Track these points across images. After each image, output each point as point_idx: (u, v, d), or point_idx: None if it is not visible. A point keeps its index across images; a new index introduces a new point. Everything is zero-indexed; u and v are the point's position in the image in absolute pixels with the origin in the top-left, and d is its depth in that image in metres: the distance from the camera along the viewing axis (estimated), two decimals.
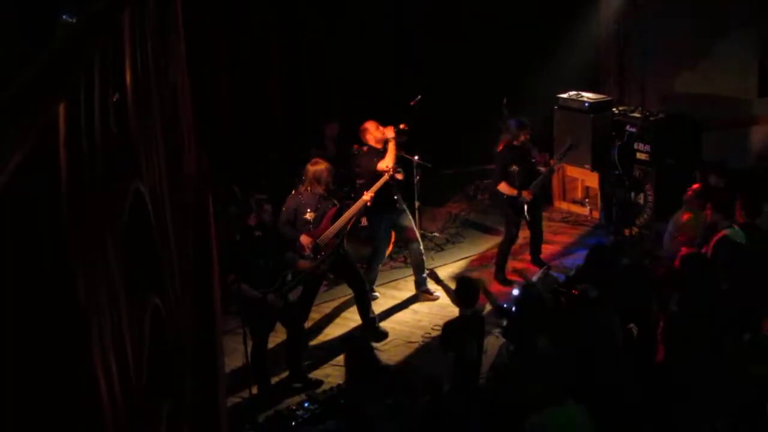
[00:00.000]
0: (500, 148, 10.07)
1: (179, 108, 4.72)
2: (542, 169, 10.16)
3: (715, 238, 7.74)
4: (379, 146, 9.29)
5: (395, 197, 9.43)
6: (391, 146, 9.19)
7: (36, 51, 1.69)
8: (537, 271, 9.25)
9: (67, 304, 1.57)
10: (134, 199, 2.37)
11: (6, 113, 1.35)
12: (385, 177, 9.10)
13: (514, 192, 9.78)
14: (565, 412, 5.77)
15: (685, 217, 8.72)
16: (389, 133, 9.22)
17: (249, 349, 7.66)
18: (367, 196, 9.01)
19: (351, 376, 6.82)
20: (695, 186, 8.90)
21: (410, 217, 9.75)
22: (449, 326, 7.22)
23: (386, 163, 9.14)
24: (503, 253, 10.20)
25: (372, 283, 9.61)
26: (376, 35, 12.25)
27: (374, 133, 9.30)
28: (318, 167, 8.71)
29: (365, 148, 9.49)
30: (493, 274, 10.18)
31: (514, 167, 9.83)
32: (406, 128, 9.40)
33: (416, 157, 10.29)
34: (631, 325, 7.41)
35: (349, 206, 9.14)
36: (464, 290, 7.33)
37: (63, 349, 1.55)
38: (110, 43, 2.24)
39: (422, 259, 9.76)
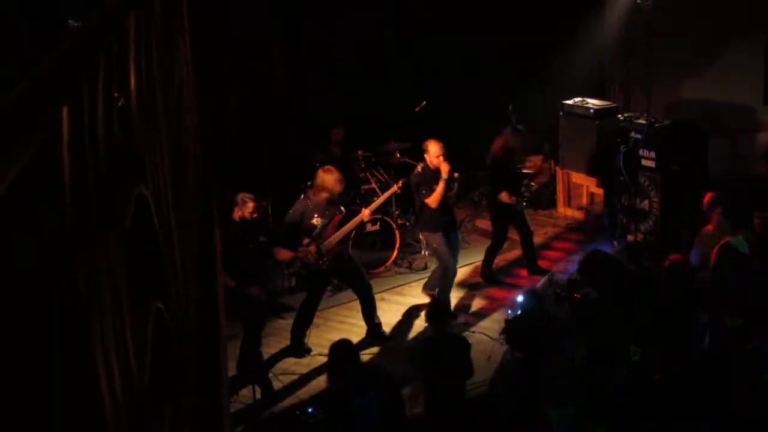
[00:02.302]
0: (499, 155, 10.10)
1: (185, 112, 4.73)
2: (527, 170, 10.41)
3: (718, 246, 7.66)
4: (433, 168, 9.22)
5: (450, 216, 9.48)
6: (441, 185, 9.10)
7: (42, 55, 1.69)
8: (538, 279, 9.27)
9: (70, 308, 1.57)
10: (138, 203, 2.38)
11: (9, 116, 1.36)
12: (385, 196, 9.36)
13: (515, 200, 9.90)
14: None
15: (706, 229, 8.52)
16: (444, 172, 9.09)
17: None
18: (366, 211, 9.01)
19: (335, 378, 6.93)
20: (708, 196, 8.67)
21: (459, 238, 9.89)
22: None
23: (433, 201, 9.14)
24: (493, 253, 10.39)
25: (449, 291, 9.66)
26: (380, 40, 12.27)
27: (432, 158, 9.22)
28: (328, 176, 8.66)
29: (420, 166, 9.39)
30: (480, 272, 10.32)
31: (509, 174, 10.02)
32: (458, 177, 9.36)
33: (421, 164, 10.29)
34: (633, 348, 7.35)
35: (354, 212, 9.15)
36: (435, 310, 7.45)
37: (65, 353, 1.55)
38: (115, 47, 2.24)
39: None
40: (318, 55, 12.27)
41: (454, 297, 10.02)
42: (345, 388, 6.69)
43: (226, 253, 7.83)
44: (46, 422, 1.46)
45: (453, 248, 9.57)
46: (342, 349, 6.96)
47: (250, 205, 7.95)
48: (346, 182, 10.34)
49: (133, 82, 2.56)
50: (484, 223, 12.12)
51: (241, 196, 8.01)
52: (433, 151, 9.19)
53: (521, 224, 10.29)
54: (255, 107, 12.03)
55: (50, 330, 1.49)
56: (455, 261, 9.64)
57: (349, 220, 8.93)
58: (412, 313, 9.70)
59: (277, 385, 8.21)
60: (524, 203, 10.15)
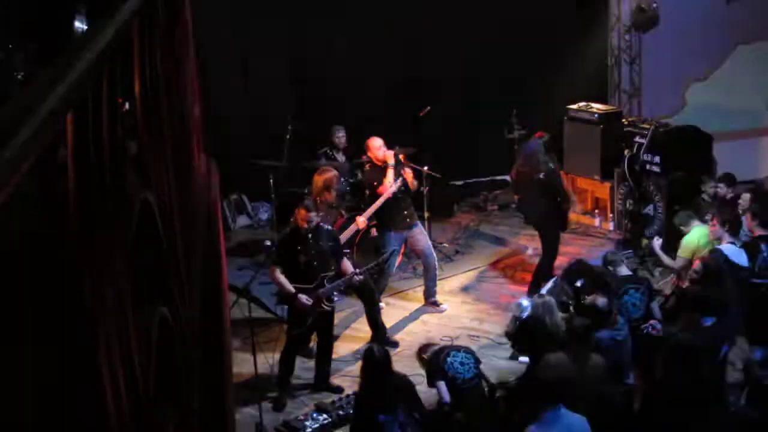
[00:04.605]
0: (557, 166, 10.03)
1: (188, 117, 4.73)
2: None
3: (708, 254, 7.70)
4: (379, 164, 9.30)
5: (404, 212, 9.40)
6: (389, 173, 9.17)
7: (47, 60, 1.70)
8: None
9: (75, 314, 1.57)
10: (142, 208, 2.38)
11: (15, 122, 1.36)
12: (381, 200, 9.13)
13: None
14: (567, 421, 5.76)
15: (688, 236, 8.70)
16: (389, 159, 9.19)
17: (258, 359, 7.67)
18: (361, 219, 9.02)
19: (367, 386, 6.81)
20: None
21: (425, 233, 9.75)
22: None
23: (384, 188, 9.17)
24: (546, 271, 9.72)
25: (379, 294, 9.61)
26: (384, 43, 12.27)
27: (375, 152, 9.32)
28: (326, 175, 8.80)
29: (368, 165, 9.49)
30: (528, 291, 10.07)
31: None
32: (405, 158, 9.44)
33: (425, 168, 10.29)
34: (652, 322, 7.42)
35: (357, 216, 9.19)
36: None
37: (70, 358, 1.55)
38: (119, 53, 2.24)
39: (436, 275, 9.77)
40: (320, 57, 12.26)
41: (460, 302, 10.01)
42: (371, 400, 6.61)
43: (285, 258, 7.96)
44: (52, 429, 1.46)
45: (413, 244, 9.61)
46: (375, 356, 6.87)
47: (302, 213, 7.94)
48: (350, 187, 10.39)
49: (137, 87, 2.56)
50: (489, 228, 12.11)
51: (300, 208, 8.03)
52: (375, 146, 9.31)
53: None
54: (258, 112, 12.04)
55: (55, 337, 1.50)
56: (394, 258, 9.73)
57: (351, 224, 8.99)
58: (416, 317, 9.68)
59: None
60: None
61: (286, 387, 8.07)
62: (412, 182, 9.40)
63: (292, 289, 7.87)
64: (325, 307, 8.06)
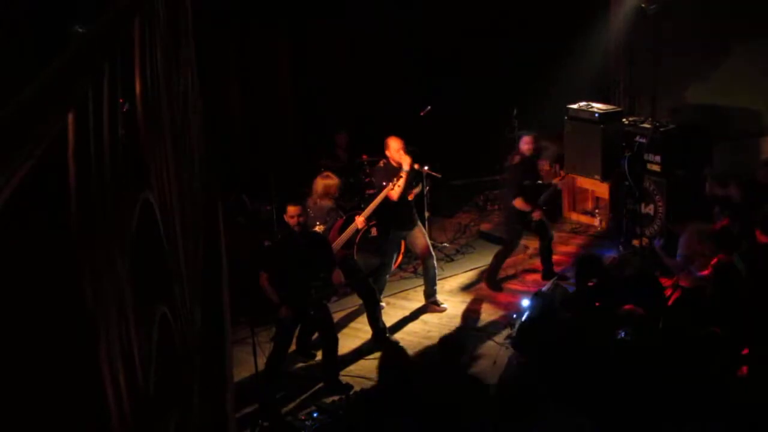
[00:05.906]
0: (515, 161, 10.05)
1: (189, 117, 4.73)
2: (555, 181, 10.33)
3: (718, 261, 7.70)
4: (395, 165, 9.24)
5: (407, 213, 9.38)
6: (403, 178, 9.04)
7: (48, 61, 1.70)
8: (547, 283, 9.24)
9: (75, 314, 1.57)
10: (143, 209, 2.38)
11: (15, 122, 1.36)
12: (378, 200, 9.08)
13: (529, 208, 9.81)
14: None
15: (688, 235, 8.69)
16: (405, 164, 9.10)
17: (258, 359, 7.66)
18: (360, 219, 9.02)
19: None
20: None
21: (424, 232, 9.73)
22: None
23: (395, 194, 9.06)
24: (500, 261, 10.22)
25: (379, 293, 9.61)
26: (385, 44, 12.27)
27: (394, 154, 9.22)
28: (328, 181, 8.79)
29: (383, 162, 9.44)
30: (485, 277, 10.22)
31: (527, 181, 9.87)
32: (419, 168, 9.46)
33: (426, 168, 10.29)
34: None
35: (356, 216, 9.20)
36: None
37: (70, 359, 1.55)
38: (120, 53, 2.24)
39: (435, 274, 9.76)
40: (325, 59, 12.27)
41: (460, 301, 10.02)
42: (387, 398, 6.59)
43: (272, 261, 7.95)
44: (53, 430, 1.46)
45: (412, 244, 9.63)
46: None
47: (290, 209, 7.90)
48: (352, 187, 10.39)
49: (138, 87, 2.56)
50: (489, 228, 12.11)
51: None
52: (394, 147, 9.25)
53: (542, 230, 10.18)
54: (259, 111, 12.05)
55: (55, 338, 1.49)
56: (393, 257, 9.82)
57: (350, 224, 8.98)
58: (417, 317, 9.69)
59: (281, 389, 8.20)
60: (543, 208, 10.03)
61: (274, 395, 8.03)
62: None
63: (278, 299, 7.86)
64: (312, 315, 8.05)
